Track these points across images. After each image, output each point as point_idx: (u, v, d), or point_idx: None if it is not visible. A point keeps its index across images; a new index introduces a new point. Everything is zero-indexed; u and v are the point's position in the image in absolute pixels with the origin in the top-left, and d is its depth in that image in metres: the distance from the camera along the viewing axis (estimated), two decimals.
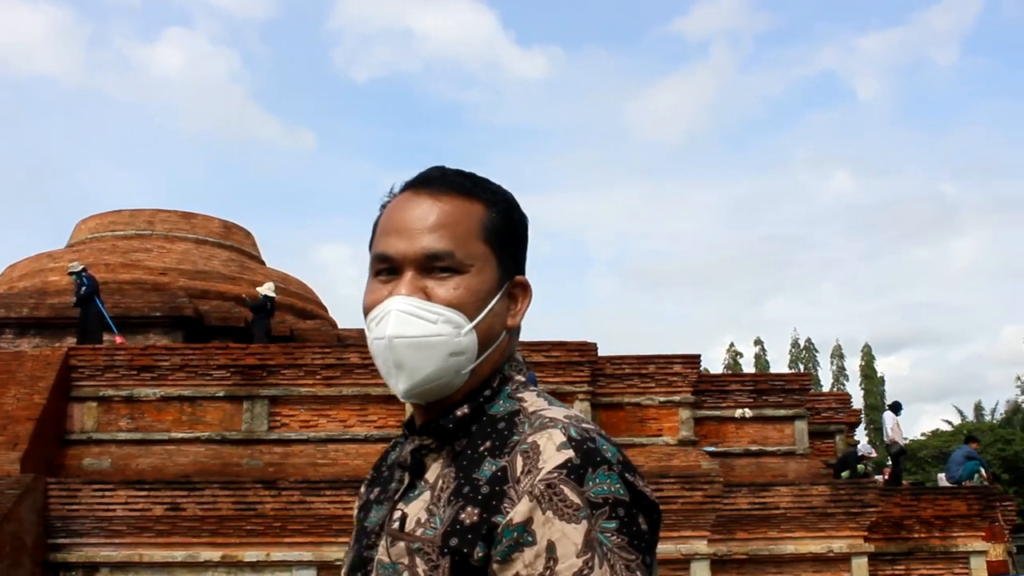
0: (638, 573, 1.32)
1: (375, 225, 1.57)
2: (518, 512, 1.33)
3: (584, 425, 1.40)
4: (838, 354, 70.09)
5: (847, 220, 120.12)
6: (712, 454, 17.93)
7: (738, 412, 19.29)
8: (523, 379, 1.55)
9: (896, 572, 17.62)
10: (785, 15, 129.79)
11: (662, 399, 18.01)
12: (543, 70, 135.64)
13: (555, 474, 1.33)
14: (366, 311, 1.50)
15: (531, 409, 1.46)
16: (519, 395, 1.51)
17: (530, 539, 1.31)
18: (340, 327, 24.62)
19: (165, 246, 23.57)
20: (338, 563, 14.64)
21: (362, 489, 1.68)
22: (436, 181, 1.53)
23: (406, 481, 1.50)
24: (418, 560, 1.38)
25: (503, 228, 1.53)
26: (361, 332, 14.94)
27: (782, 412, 19.09)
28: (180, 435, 16.56)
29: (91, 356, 17.15)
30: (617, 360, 18.20)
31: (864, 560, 16.69)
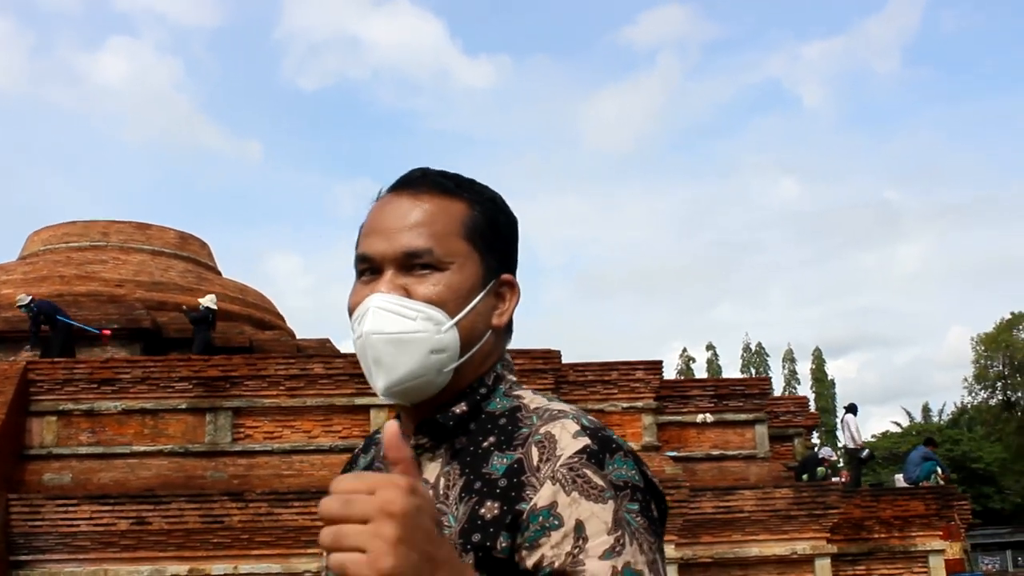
0: (657, 556, 1.34)
1: (360, 228, 1.57)
2: (541, 497, 1.33)
3: (590, 417, 1.43)
4: (789, 358, 70.90)
5: (794, 226, 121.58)
6: (675, 459, 18.04)
7: (699, 417, 19.44)
8: (514, 378, 1.55)
9: (858, 572, 17.88)
10: (731, 24, 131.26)
11: (625, 405, 18.09)
12: (491, 79, 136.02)
13: (576, 459, 1.34)
14: (350, 311, 1.50)
15: (533, 405, 1.47)
16: (515, 392, 1.51)
17: (556, 522, 1.31)
18: (298, 337, 24.49)
19: (120, 257, 23.31)
20: (307, 574, 14.57)
21: None
22: (417, 181, 1.53)
23: None
24: None
25: (486, 226, 1.53)
26: (320, 343, 14.92)
27: (743, 416, 19.26)
28: (142, 448, 16.38)
29: (50, 370, 16.91)
30: (580, 367, 18.27)
31: (827, 561, 16.89)
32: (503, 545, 1.34)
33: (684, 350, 70.01)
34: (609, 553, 1.28)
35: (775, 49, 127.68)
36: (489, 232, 1.53)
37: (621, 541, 1.29)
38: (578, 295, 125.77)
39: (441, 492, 1.42)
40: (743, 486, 17.10)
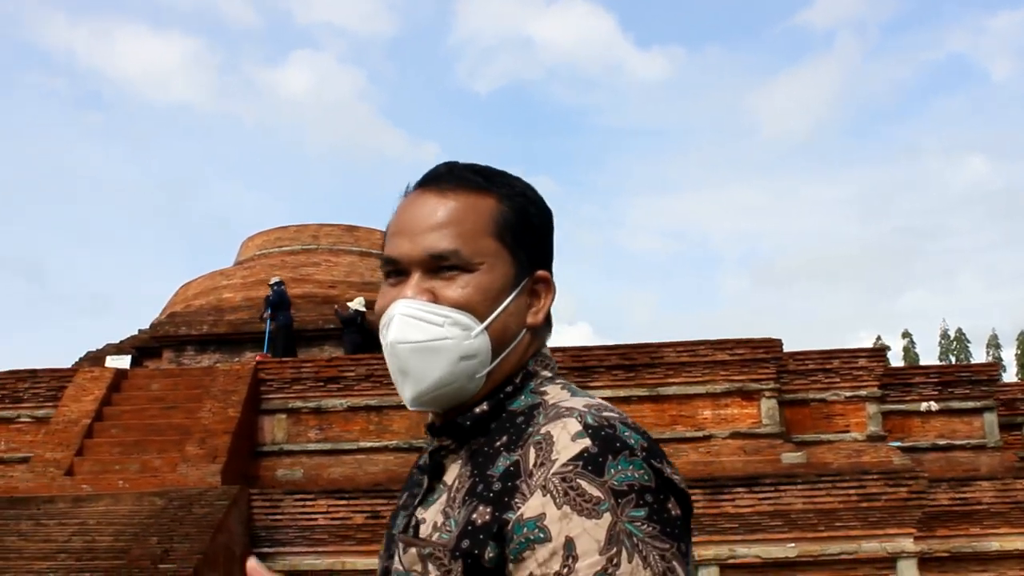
0: (675, 563, 1.22)
1: (387, 228, 1.50)
2: (529, 507, 1.24)
3: (605, 413, 1.31)
4: (994, 343, 67.81)
5: (983, 207, 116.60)
6: (900, 450, 17.43)
7: (924, 406, 18.72)
8: (549, 374, 1.46)
9: None
10: (910, 1, 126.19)
11: (848, 394, 17.55)
12: (664, 71, 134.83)
13: (570, 467, 1.24)
14: (378, 316, 1.44)
15: (551, 401, 1.38)
16: (542, 389, 1.42)
17: (542, 536, 1.22)
18: None
19: (331, 259, 23.98)
20: None
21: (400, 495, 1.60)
22: (444, 177, 1.45)
23: (425, 484, 1.44)
24: (430, 566, 1.32)
25: (518, 222, 1.44)
26: None
27: (970, 404, 18.43)
28: (369, 444, 16.78)
29: (279, 369, 17.51)
30: (800, 356, 17.83)
31: None
32: (490, 555, 1.26)
33: (878, 338, 67.65)
34: (600, 575, 1.19)
35: (958, 23, 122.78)
36: (520, 227, 1.44)
37: (615, 560, 1.19)
38: (756, 285, 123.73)
39: (452, 495, 1.37)
40: (981, 476, 16.35)
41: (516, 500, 1.27)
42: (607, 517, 1.21)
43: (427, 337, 1.36)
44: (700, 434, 16.75)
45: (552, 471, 1.25)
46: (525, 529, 1.24)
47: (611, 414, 1.32)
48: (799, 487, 14.57)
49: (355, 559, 14.68)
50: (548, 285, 1.49)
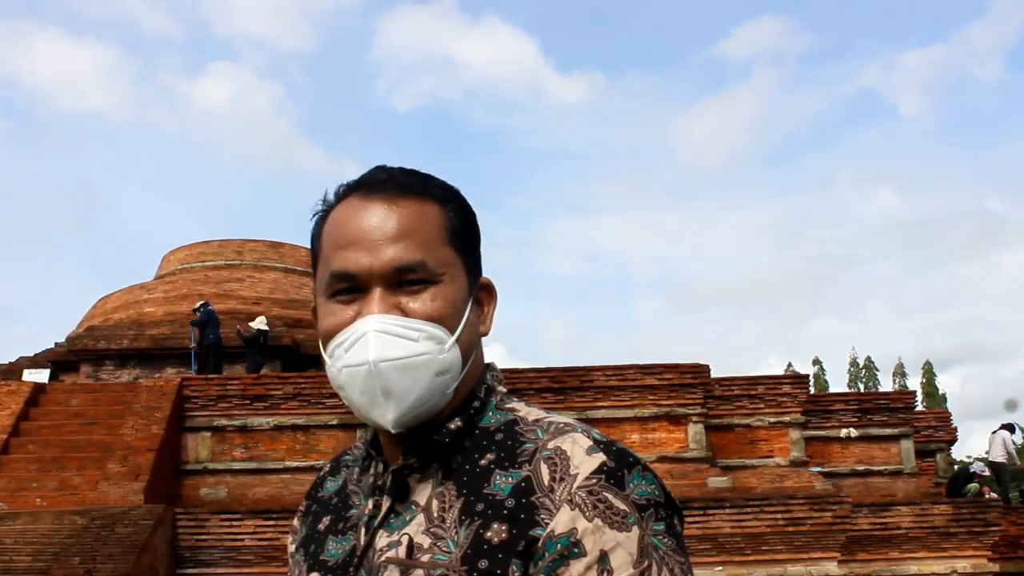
0: None
1: (316, 238, 1.43)
2: (559, 522, 1.23)
3: (597, 431, 1.32)
4: (900, 372, 69.43)
5: (892, 238, 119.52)
6: (820, 475, 17.75)
7: (843, 432, 19.11)
8: (504, 390, 1.43)
9: None
10: (827, 35, 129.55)
11: (772, 420, 17.84)
12: (585, 95, 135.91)
13: (594, 480, 1.24)
14: (327, 336, 1.35)
15: (531, 418, 1.36)
16: (508, 406, 1.39)
17: (577, 551, 1.21)
18: None
19: (255, 275, 23.72)
20: None
21: (295, 523, 1.54)
22: (386, 183, 1.38)
23: (384, 506, 1.37)
24: None
25: (461, 228, 1.40)
26: None
27: (888, 431, 18.89)
28: (295, 463, 16.59)
29: (204, 386, 17.24)
30: (726, 381, 18.07)
31: None
32: (516, 574, 1.23)
33: (789, 365, 68.84)
34: None
35: (871, 58, 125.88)
36: (465, 233, 1.41)
37: (647, 573, 1.20)
38: (670, 310, 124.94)
39: (435, 515, 1.31)
40: (900, 502, 16.71)
41: (541, 516, 1.24)
42: (636, 530, 1.21)
43: (406, 353, 1.29)
44: None
45: (576, 484, 1.24)
46: (559, 545, 1.22)
47: (600, 432, 1.33)
48: (727, 511, 14.74)
49: None
50: (491, 292, 1.45)
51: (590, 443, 1.27)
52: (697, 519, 14.67)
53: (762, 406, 17.92)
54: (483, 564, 1.24)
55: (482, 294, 1.43)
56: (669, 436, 17.00)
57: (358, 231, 1.34)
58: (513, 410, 1.38)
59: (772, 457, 17.73)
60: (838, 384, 69.00)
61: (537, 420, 1.35)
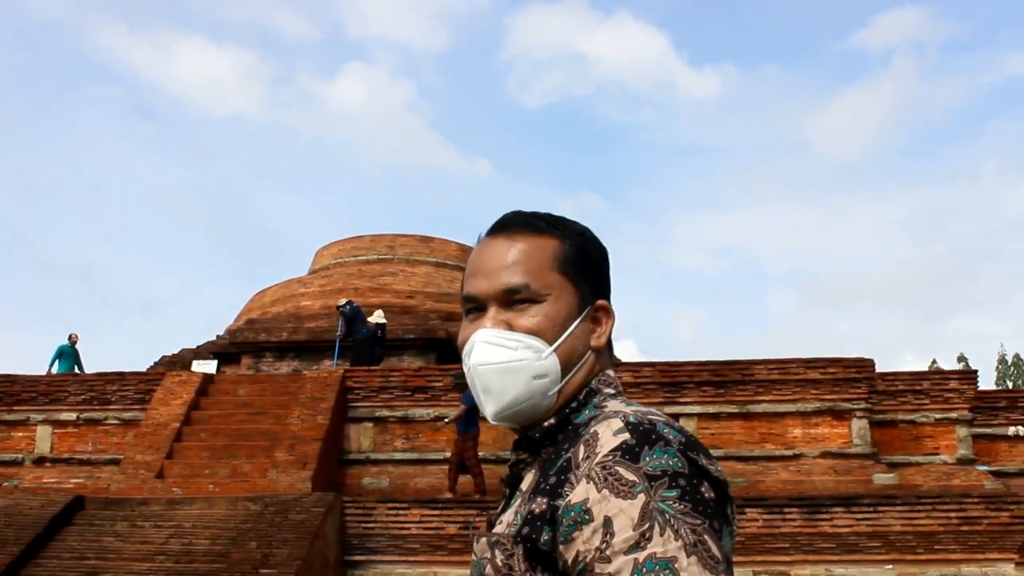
0: (706, 537, 1.32)
1: (465, 273, 1.69)
2: (576, 494, 1.39)
3: (650, 416, 1.45)
4: None
5: None
6: (988, 473, 17.19)
7: (1012, 430, 18.49)
8: (612, 391, 1.60)
9: None
10: (969, 22, 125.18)
11: (938, 416, 17.35)
12: (716, 89, 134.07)
13: (610, 456, 1.38)
14: (460, 347, 1.62)
15: (608, 410, 1.52)
16: (604, 404, 1.56)
17: (587, 517, 1.36)
18: None
19: (407, 270, 24.03)
20: None
21: None
22: (511, 223, 1.64)
23: (506, 494, 1.61)
24: (497, 552, 1.46)
25: (578, 258, 1.61)
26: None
27: None
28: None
29: (367, 378, 17.55)
30: (890, 376, 17.65)
31: None
32: (545, 538, 1.41)
33: (934, 362, 66.81)
34: (633, 548, 1.31)
35: (1017, 46, 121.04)
36: (581, 262, 1.62)
37: (647, 535, 1.31)
38: (803, 305, 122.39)
39: (525, 498, 1.51)
40: None
41: (565, 489, 1.41)
42: (641, 497, 1.34)
43: (504, 359, 1.54)
44: (790, 453, 16.60)
45: (596, 461, 1.40)
46: (572, 513, 1.38)
47: (655, 417, 1.46)
48: (898, 508, 14.37)
49: (447, 569, 14.63)
50: (607, 312, 1.65)
51: (621, 425, 1.43)
52: (867, 516, 14.35)
53: (927, 402, 17.44)
54: (525, 531, 1.44)
55: (599, 313, 1.63)
56: (832, 431, 16.66)
57: (481, 262, 1.62)
58: (603, 407, 1.55)
59: (938, 455, 17.25)
60: (985, 382, 66.76)
61: (609, 412, 1.51)
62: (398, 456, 17.06)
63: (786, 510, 14.43)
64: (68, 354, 21.59)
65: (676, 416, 16.76)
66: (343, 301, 20.49)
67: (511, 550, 1.44)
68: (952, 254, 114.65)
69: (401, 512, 14.87)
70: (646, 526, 1.32)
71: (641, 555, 1.30)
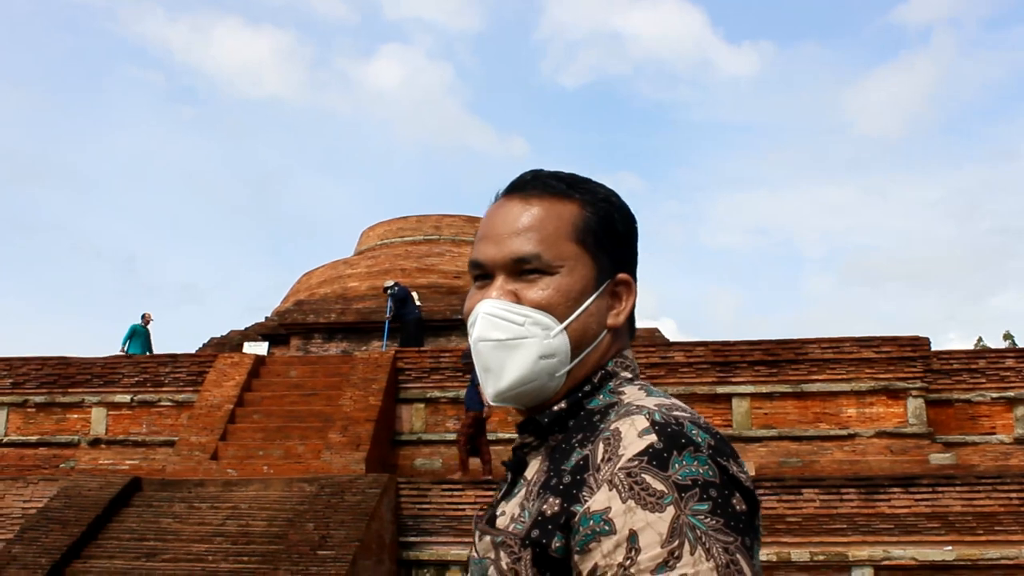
0: (738, 556, 1.22)
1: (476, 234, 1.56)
2: (596, 501, 1.27)
3: (675, 412, 1.33)
4: None
5: None
6: None
7: None
8: (629, 375, 1.48)
9: None
10: None
11: (994, 395, 17.15)
12: (754, 66, 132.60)
13: (635, 461, 1.26)
14: (465, 318, 1.51)
15: (627, 400, 1.40)
16: (621, 389, 1.45)
17: (608, 528, 1.24)
18: None
19: (453, 250, 24.04)
20: None
21: None
22: (529, 184, 1.51)
23: (508, 479, 1.49)
24: (502, 553, 1.36)
25: (600, 227, 1.48)
26: (650, 332, 14.69)
27: None
28: (507, 436, 16.76)
29: (418, 359, 17.59)
30: (945, 355, 17.46)
31: None
32: (557, 545, 1.29)
33: (979, 340, 66.08)
34: (661, 567, 1.20)
35: None
36: (603, 232, 1.49)
37: (676, 553, 1.20)
38: (841, 285, 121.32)
39: (530, 489, 1.40)
40: None
41: (584, 493, 1.30)
42: (670, 511, 1.23)
43: (508, 336, 1.41)
44: (844, 432, 16.47)
45: (618, 466, 1.28)
46: (592, 522, 1.26)
47: (681, 413, 1.33)
48: (957, 488, 14.23)
49: None
50: (629, 288, 1.52)
51: (646, 424, 1.30)
52: (925, 496, 14.22)
53: (984, 381, 17.25)
54: (535, 533, 1.32)
55: (620, 288, 1.51)
56: (887, 411, 16.52)
57: (491, 226, 1.49)
58: (621, 393, 1.44)
59: (995, 434, 17.06)
60: None
61: (629, 402, 1.39)
62: (450, 437, 17.08)
63: (843, 491, 14.32)
64: (140, 333, 21.86)
65: (729, 396, 16.71)
66: (390, 283, 20.52)
67: (518, 554, 1.33)
68: (993, 232, 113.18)
69: (456, 493, 14.91)
70: (675, 543, 1.21)
71: (672, 575, 1.20)
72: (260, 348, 19.48)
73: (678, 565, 1.20)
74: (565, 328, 1.42)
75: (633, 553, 1.22)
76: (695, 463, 1.26)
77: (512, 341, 1.41)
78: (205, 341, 24.95)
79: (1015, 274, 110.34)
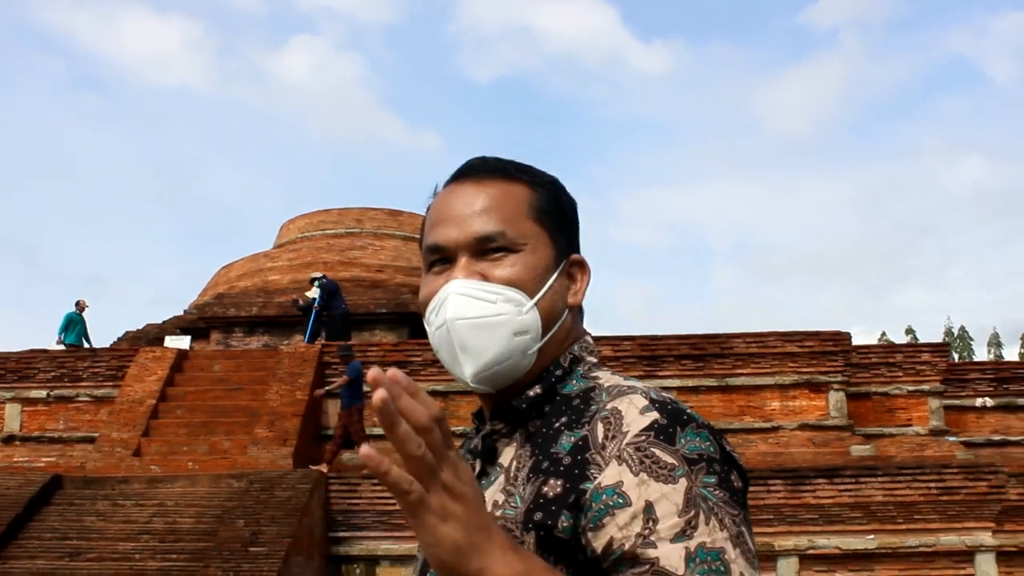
0: (743, 528, 1.27)
1: (422, 226, 1.57)
2: (606, 476, 1.28)
3: (664, 394, 1.37)
4: (995, 342, 68.06)
5: (978, 207, 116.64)
6: (960, 444, 17.50)
7: (979, 401, 18.81)
8: (595, 360, 1.51)
9: None
10: (914, 1, 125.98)
11: (910, 388, 17.60)
12: (666, 64, 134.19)
13: (643, 436, 1.28)
14: (423, 304, 1.48)
15: (607, 384, 1.42)
16: (592, 374, 1.47)
17: (622, 500, 1.26)
18: None
19: (375, 243, 23.88)
20: None
21: None
22: (478, 168, 1.53)
23: (477, 468, 1.47)
24: None
25: (551, 207, 1.51)
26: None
27: None
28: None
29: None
30: (863, 349, 17.89)
31: None
32: (564, 525, 1.30)
33: (883, 334, 67.87)
34: (680, 536, 1.22)
35: (961, 24, 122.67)
36: (555, 212, 1.52)
37: (693, 523, 1.23)
38: (748, 279, 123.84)
39: (512, 475, 1.40)
40: None
41: (591, 471, 1.30)
42: (683, 482, 1.25)
43: (482, 313, 1.40)
44: (768, 425, 16.76)
45: (625, 442, 1.29)
46: (604, 496, 1.27)
47: (669, 395, 1.37)
48: (879, 479, 14.58)
49: None
50: (583, 268, 1.55)
51: (646, 403, 1.32)
52: (849, 487, 14.54)
53: (900, 374, 17.68)
54: (538, 516, 1.31)
55: (575, 269, 1.53)
56: (810, 404, 16.84)
57: (448, 209, 1.49)
58: (596, 378, 1.45)
59: (911, 426, 17.50)
60: None
61: (611, 386, 1.40)
62: (377, 431, 16.95)
63: (770, 482, 14.57)
64: (76, 322, 21.22)
65: None
66: (318, 274, 20.28)
67: (520, 538, 1.32)
68: (895, 229, 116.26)
69: (386, 488, 14.80)
70: (691, 513, 1.23)
71: (691, 543, 1.21)
72: (182, 342, 19.11)
73: (695, 534, 1.22)
74: (536, 303, 1.44)
75: (651, 523, 1.23)
76: (698, 439, 1.28)
77: (487, 319, 1.40)
78: (120, 335, 24.44)
79: (916, 270, 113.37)
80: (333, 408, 17.24)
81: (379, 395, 1.02)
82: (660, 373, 16.88)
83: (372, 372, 1.05)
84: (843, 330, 17.12)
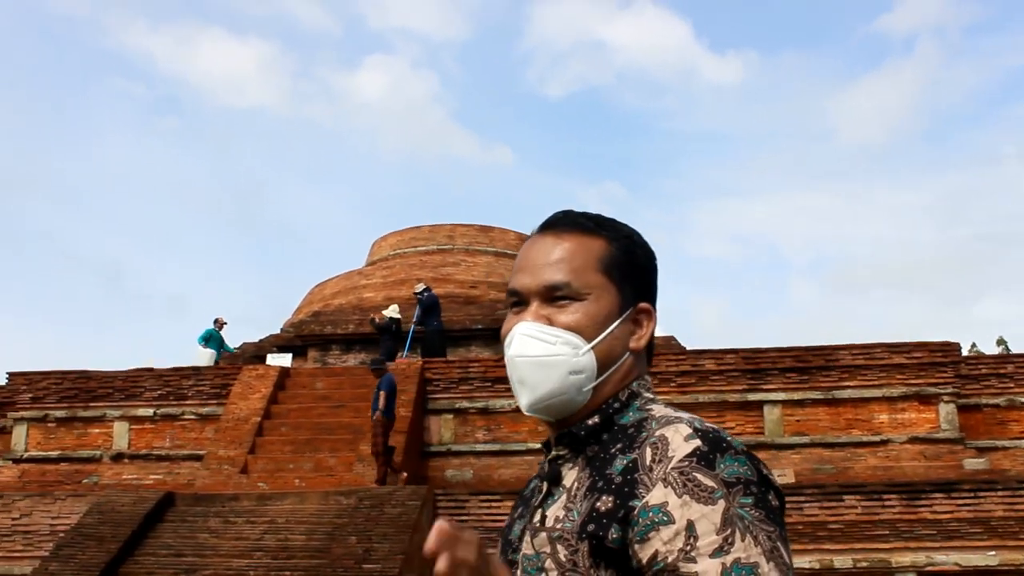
0: (778, 543, 1.39)
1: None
2: (653, 496, 1.43)
3: (708, 423, 1.51)
4: None
5: None
6: None
7: None
8: (651, 396, 1.65)
9: None
10: (994, 5, 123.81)
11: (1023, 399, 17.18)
12: (738, 75, 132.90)
13: (686, 462, 1.43)
14: (502, 340, 1.68)
15: (658, 414, 1.57)
16: (648, 407, 1.61)
17: (667, 519, 1.40)
18: None
19: (467, 260, 23.94)
20: None
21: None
22: (560, 222, 1.69)
23: (544, 490, 1.62)
24: (559, 547, 1.51)
25: (623, 260, 1.66)
26: (666, 340, 14.66)
27: None
28: (537, 445, 16.62)
29: (446, 369, 17.49)
30: (973, 360, 17.51)
31: None
32: (614, 536, 1.44)
33: (973, 345, 66.36)
34: (718, 552, 1.36)
35: None
36: (626, 265, 1.66)
37: (730, 540, 1.37)
38: (826, 292, 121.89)
39: (572, 494, 1.55)
40: None
41: (639, 490, 1.45)
42: (721, 503, 1.39)
43: (541, 353, 1.58)
44: (877, 439, 16.45)
45: (671, 466, 1.44)
46: (651, 514, 1.42)
47: (711, 425, 1.52)
48: (999, 493, 14.22)
49: None
50: (649, 316, 1.69)
51: (690, 431, 1.48)
52: (967, 501, 14.21)
53: (1012, 385, 17.28)
54: (591, 528, 1.47)
55: (641, 316, 1.68)
56: (919, 416, 16.50)
57: (527, 258, 1.67)
58: (649, 410, 1.61)
59: None
60: None
61: (661, 416, 1.57)
62: (479, 448, 16.99)
63: (884, 497, 14.30)
64: (215, 338, 21.85)
65: (760, 403, 16.68)
66: (421, 286, 20.34)
67: (575, 546, 1.48)
68: (976, 238, 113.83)
69: (494, 504, 14.81)
70: (728, 531, 1.37)
71: (728, 559, 1.36)
72: (284, 360, 19.29)
73: (732, 550, 1.37)
74: (592, 348, 1.60)
75: (692, 540, 1.38)
76: (736, 464, 1.44)
77: (545, 358, 1.58)
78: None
79: (998, 280, 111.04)
80: (436, 424, 17.30)
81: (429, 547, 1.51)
82: (764, 386, 16.67)
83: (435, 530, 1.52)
84: (952, 340, 16.75)
